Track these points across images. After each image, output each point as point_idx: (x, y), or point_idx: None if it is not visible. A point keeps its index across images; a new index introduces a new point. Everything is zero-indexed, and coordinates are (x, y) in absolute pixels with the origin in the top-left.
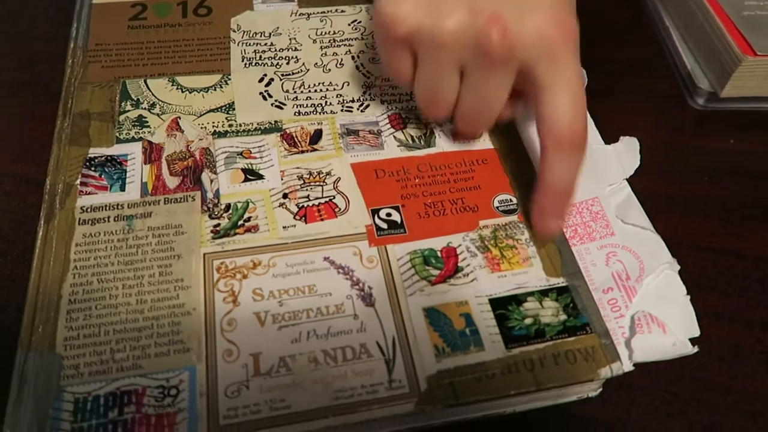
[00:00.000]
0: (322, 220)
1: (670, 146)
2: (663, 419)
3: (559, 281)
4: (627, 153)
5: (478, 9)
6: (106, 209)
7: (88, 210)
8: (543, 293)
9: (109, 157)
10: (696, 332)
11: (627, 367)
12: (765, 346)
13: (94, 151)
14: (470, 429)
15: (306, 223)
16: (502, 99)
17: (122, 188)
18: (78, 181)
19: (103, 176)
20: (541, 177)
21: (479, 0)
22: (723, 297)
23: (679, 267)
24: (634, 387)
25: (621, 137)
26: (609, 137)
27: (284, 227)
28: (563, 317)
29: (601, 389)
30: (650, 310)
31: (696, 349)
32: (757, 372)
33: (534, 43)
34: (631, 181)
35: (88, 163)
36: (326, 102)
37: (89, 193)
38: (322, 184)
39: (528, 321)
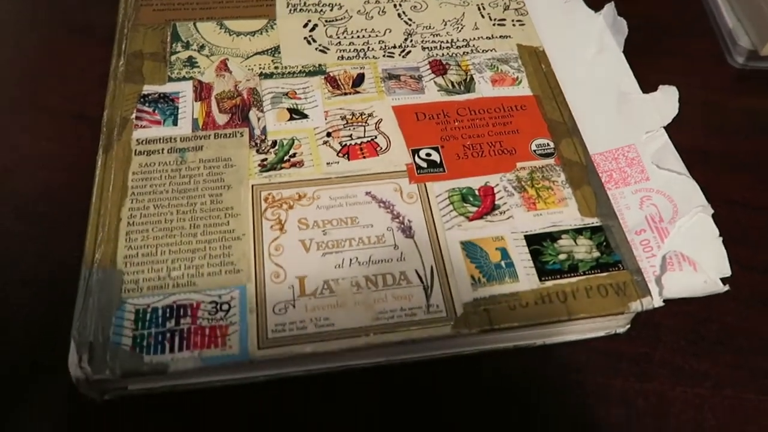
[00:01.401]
0: (364, 157)
1: (708, 102)
2: (688, 358)
3: (593, 221)
4: (665, 101)
5: None
6: (160, 142)
7: (143, 142)
8: (577, 232)
9: (161, 94)
10: (727, 272)
11: (657, 302)
12: None
13: (147, 89)
14: (501, 359)
15: (349, 160)
16: None
17: (174, 123)
18: (133, 116)
19: (156, 111)
20: None
21: None
22: (754, 250)
23: (712, 211)
24: (662, 326)
25: (660, 86)
26: (648, 91)
27: (328, 163)
28: (596, 254)
29: (629, 326)
30: (682, 249)
31: (727, 288)
32: None
33: None
34: (667, 128)
35: (142, 99)
36: (368, 47)
37: (144, 127)
38: (364, 124)
39: (562, 257)
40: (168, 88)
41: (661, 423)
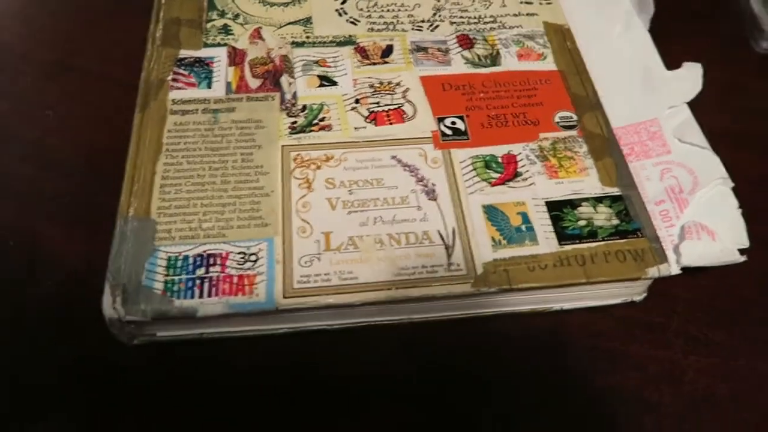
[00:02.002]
0: (390, 123)
1: (731, 85)
2: (703, 328)
3: (614, 190)
4: (689, 77)
5: None
6: (194, 103)
7: (179, 102)
8: (597, 200)
9: (197, 59)
10: (745, 243)
11: (674, 270)
12: None
13: (183, 53)
14: (520, 321)
15: (376, 125)
16: None
17: (209, 86)
18: (169, 77)
19: (191, 74)
20: None
21: None
22: None
23: (732, 183)
24: (678, 298)
25: (684, 63)
26: (672, 69)
27: (355, 128)
28: (615, 222)
29: (645, 294)
30: (701, 220)
31: (744, 258)
32: None
33: None
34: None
35: (178, 63)
36: (398, 21)
37: (179, 88)
38: (391, 93)
39: (582, 223)
40: (203, 53)
41: (674, 389)
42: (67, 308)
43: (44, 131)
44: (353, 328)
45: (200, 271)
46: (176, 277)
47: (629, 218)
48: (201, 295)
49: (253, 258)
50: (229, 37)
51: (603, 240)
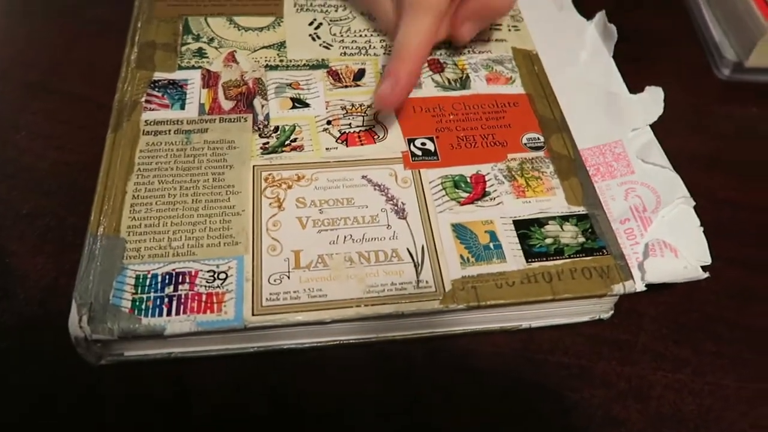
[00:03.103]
0: (361, 144)
1: (696, 110)
2: (669, 345)
3: (580, 209)
4: (651, 101)
5: None
6: (167, 123)
7: (152, 123)
8: (564, 218)
9: (171, 81)
10: (707, 260)
11: (639, 286)
12: None
13: (158, 75)
14: (488, 340)
15: (347, 146)
16: None
17: (182, 107)
18: (143, 99)
19: (165, 96)
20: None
21: None
22: (738, 244)
23: (694, 202)
24: (644, 315)
25: (646, 87)
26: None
27: (327, 149)
28: (582, 240)
29: (612, 312)
30: (664, 237)
31: (707, 275)
32: (765, 312)
33: None
34: (654, 133)
35: (152, 85)
36: (370, 45)
37: (152, 110)
38: (363, 114)
39: (548, 241)
40: (177, 75)
41: (642, 405)
42: (35, 328)
43: (18, 151)
44: (323, 347)
45: (169, 290)
46: (144, 296)
47: (595, 236)
48: (169, 313)
49: (222, 276)
50: (204, 60)
51: (569, 257)
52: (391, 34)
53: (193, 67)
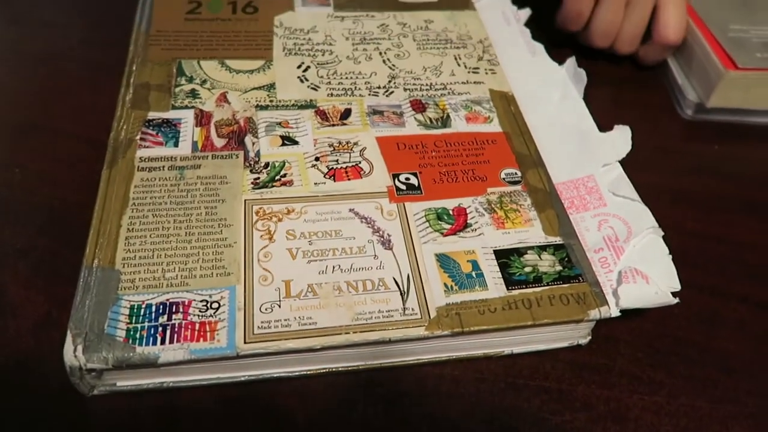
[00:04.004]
0: (348, 179)
1: (662, 147)
2: (645, 368)
3: (556, 239)
4: (620, 138)
5: None
6: (161, 160)
7: (146, 160)
8: (541, 248)
9: (165, 120)
10: (677, 286)
11: (614, 312)
12: (741, 314)
13: (152, 115)
14: (472, 365)
15: (335, 181)
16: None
17: (176, 144)
18: (138, 137)
19: (159, 134)
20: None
21: None
22: (704, 273)
23: (662, 233)
24: (620, 341)
25: (615, 126)
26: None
27: (315, 183)
28: (559, 268)
29: (590, 337)
30: (636, 265)
31: (677, 300)
32: (733, 335)
33: None
34: (624, 169)
35: (147, 124)
36: (355, 87)
37: (147, 147)
38: (349, 151)
39: (528, 269)
40: (171, 114)
41: (621, 427)
42: (27, 360)
43: (11, 187)
44: (312, 375)
45: (163, 319)
46: (139, 325)
47: (571, 265)
48: (163, 342)
49: (215, 305)
50: (197, 100)
51: (547, 285)
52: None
53: (187, 107)
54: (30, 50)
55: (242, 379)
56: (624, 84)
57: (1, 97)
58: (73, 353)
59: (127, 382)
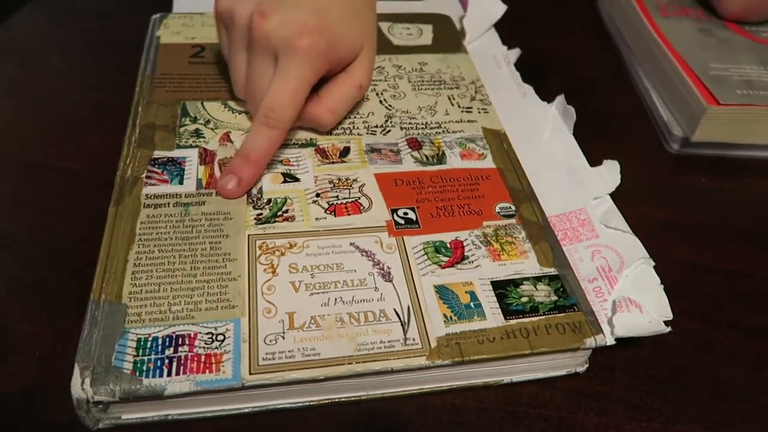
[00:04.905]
0: (348, 214)
1: (650, 181)
2: (643, 395)
3: (551, 270)
4: (609, 172)
5: (261, 3)
6: (166, 197)
7: (152, 197)
8: (537, 279)
9: (170, 158)
10: (669, 315)
11: (609, 340)
12: (732, 342)
13: (158, 153)
14: (473, 394)
15: (335, 216)
16: (268, 77)
17: (180, 182)
18: (144, 175)
19: (164, 172)
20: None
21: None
22: (695, 301)
23: (654, 263)
24: (617, 368)
25: (604, 161)
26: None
27: (316, 218)
28: (554, 298)
29: (587, 365)
30: (629, 295)
31: (669, 329)
32: (726, 362)
33: (280, 38)
34: (615, 202)
35: (152, 162)
36: (354, 126)
37: (153, 185)
38: (349, 187)
39: (524, 299)
40: (176, 153)
41: None
42: (33, 394)
43: (19, 224)
44: (315, 406)
45: (169, 351)
46: (145, 357)
47: (566, 295)
48: (169, 374)
49: (220, 338)
50: (201, 139)
51: (544, 314)
52: (244, 97)
53: (191, 146)
54: (40, 92)
55: (246, 410)
56: (612, 120)
57: (11, 136)
58: (80, 386)
59: (132, 414)
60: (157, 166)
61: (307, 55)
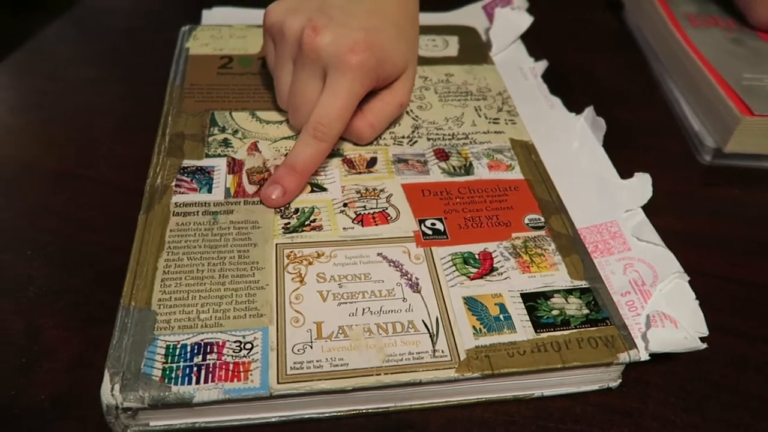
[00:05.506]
0: (376, 224)
1: (682, 193)
2: (679, 412)
3: (582, 283)
4: (640, 185)
5: (312, 18)
6: (195, 206)
7: (181, 205)
8: (568, 292)
9: (199, 167)
10: (705, 331)
11: (644, 355)
12: None
13: (186, 162)
14: (502, 408)
15: (363, 226)
16: (314, 90)
17: (209, 191)
18: (173, 184)
19: (193, 181)
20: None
21: (316, 14)
22: (729, 316)
23: (688, 277)
24: (651, 384)
25: (635, 173)
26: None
27: (344, 228)
28: (586, 311)
29: (620, 380)
30: (663, 309)
31: (705, 345)
32: (762, 378)
33: (332, 54)
34: (646, 214)
35: (181, 171)
36: (381, 137)
37: (182, 193)
38: (376, 198)
39: (555, 312)
40: (205, 162)
41: None
42: (62, 400)
43: (50, 233)
44: (342, 417)
45: (197, 359)
46: (174, 365)
47: (598, 308)
48: (198, 382)
49: (248, 346)
50: (229, 149)
51: (575, 328)
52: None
53: (219, 156)
54: (70, 104)
55: (273, 419)
56: (641, 131)
57: (42, 147)
58: (110, 392)
59: (160, 422)
60: (186, 175)
61: (357, 72)
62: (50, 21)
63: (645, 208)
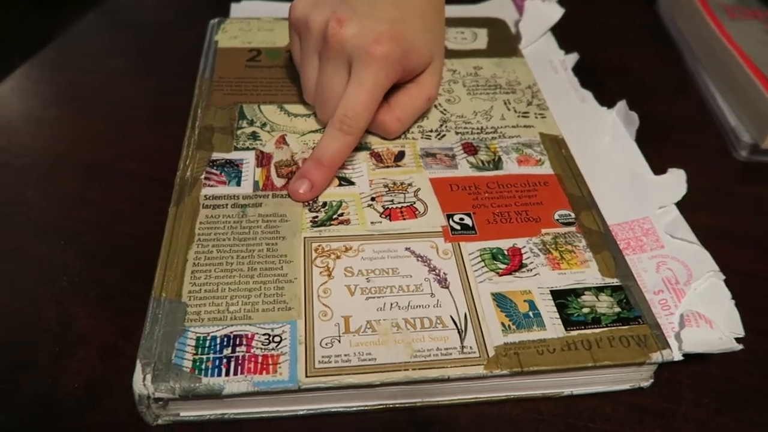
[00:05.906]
0: (404, 219)
1: (718, 189)
2: (712, 413)
3: (613, 281)
4: (675, 181)
5: (336, 11)
6: (224, 198)
7: (210, 198)
8: (599, 289)
9: (228, 160)
10: (741, 332)
11: (677, 355)
12: None
13: (216, 155)
14: (531, 405)
15: (390, 220)
16: (340, 84)
17: (238, 184)
18: (203, 176)
19: (222, 174)
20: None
21: (341, 7)
22: (765, 316)
23: (723, 276)
24: (683, 384)
25: (669, 169)
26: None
27: (372, 222)
28: (617, 309)
29: (652, 380)
30: (698, 309)
31: (741, 347)
32: None
33: (356, 45)
34: (680, 211)
35: (211, 164)
36: (409, 130)
37: (211, 186)
38: (404, 192)
39: (585, 310)
40: (234, 155)
41: None
42: (94, 389)
43: (83, 224)
44: (370, 411)
45: (227, 351)
46: (204, 356)
47: (630, 306)
48: (227, 374)
49: (277, 339)
50: (257, 142)
51: (606, 326)
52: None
53: (248, 149)
54: (103, 97)
55: (301, 412)
56: (675, 126)
57: (75, 139)
58: (142, 382)
59: (190, 412)
60: (215, 168)
61: (382, 63)
62: (81, 15)
63: (679, 204)
